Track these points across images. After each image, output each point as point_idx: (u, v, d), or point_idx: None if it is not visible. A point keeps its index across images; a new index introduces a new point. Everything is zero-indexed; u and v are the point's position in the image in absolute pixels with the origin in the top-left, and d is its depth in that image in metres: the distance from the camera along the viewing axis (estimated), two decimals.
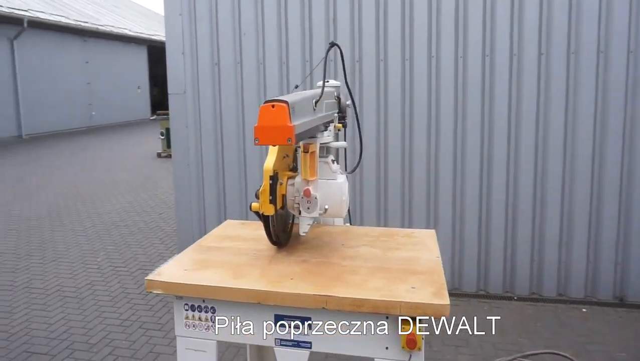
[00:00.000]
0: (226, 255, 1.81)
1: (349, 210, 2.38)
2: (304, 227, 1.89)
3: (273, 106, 1.25)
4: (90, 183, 9.25)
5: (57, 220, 6.74)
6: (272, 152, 1.69)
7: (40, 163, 11.55)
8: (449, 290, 1.45)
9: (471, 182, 3.85)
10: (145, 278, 1.60)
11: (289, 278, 1.57)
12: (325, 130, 1.75)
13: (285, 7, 4.00)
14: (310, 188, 1.73)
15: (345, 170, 2.09)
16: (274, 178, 1.65)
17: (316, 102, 1.59)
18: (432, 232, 2.07)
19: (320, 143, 1.75)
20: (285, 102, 1.28)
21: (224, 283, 1.54)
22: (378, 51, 3.85)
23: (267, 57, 4.10)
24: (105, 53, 20.15)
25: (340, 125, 1.81)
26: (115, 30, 20.55)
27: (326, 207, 1.75)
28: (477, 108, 3.76)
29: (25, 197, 8.18)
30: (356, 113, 2.01)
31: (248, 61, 4.14)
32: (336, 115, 2.05)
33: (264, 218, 1.73)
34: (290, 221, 1.98)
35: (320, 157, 1.77)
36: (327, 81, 1.80)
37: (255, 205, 1.62)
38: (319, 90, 1.75)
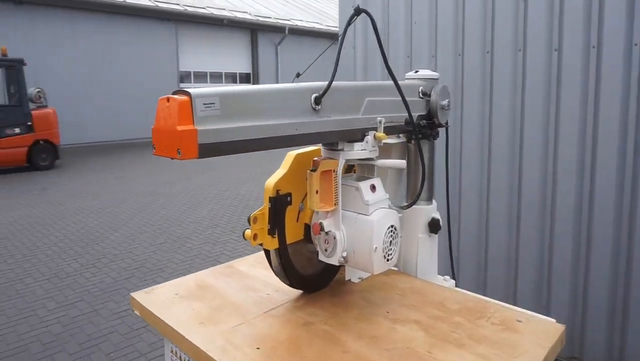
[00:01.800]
0: (232, 288, 1.44)
1: (451, 261, 1.67)
2: (352, 272, 1.36)
3: (168, 100, 0.81)
4: None
5: None
6: (286, 163, 1.23)
7: None
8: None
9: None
10: (131, 293, 1.39)
11: (254, 347, 1.09)
12: (362, 139, 1.16)
13: None
14: (325, 222, 1.19)
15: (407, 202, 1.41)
16: (278, 201, 1.18)
17: (317, 98, 1.04)
18: (553, 323, 1.20)
19: (347, 160, 1.17)
20: (187, 93, 0.82)
21: (181, 327, 1.19)
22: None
23: (438, 50, 3.43)
24: None
25: (381, 135, 1.17)
26: None
27: (344, 254, 1.18)
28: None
29: None
30: (409, 112, 1.27)
31: (418, 53, 3.56)
32: (423, 122, 1.40)
33: (266, 253, 1.28)
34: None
35: (356, 179, 1.20)
36: (387, 64, 1.19)
37: (247, 232, 1.18)
38: (374, 83, 1.19)
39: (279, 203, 1.19)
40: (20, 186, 8.72)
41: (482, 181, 2.82)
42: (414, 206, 1.52)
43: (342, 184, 1.19)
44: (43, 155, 9.89)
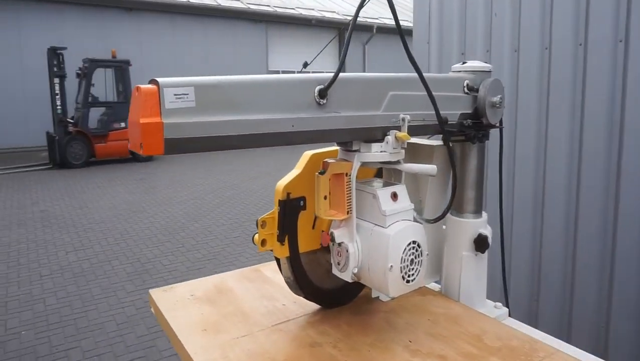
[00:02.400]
0: (250, 294, 1.35)
1: (504, 285, 1.45)
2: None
3: (138, 89, 0.73)
4: None
5: None
6: (300, 164, 1.11)
7: None
8: None
9: None
10: (149, 291, 1.36)
11: None
12: (382, 139, 1.00)
13: None
14: (337, 233, 1.05)
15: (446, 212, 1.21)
16: (288, 205, 1.08)
17: (322, 90, 0.91)
18: None
19: (363, 162, 1.02)
20: (155, 81, 0.73)
21: (182, 333, 1.12)
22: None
23: (522, 42, 3.07)
24: None
25: (404, 135, 0.98)
26: None
27: (354, 270, 1.03)
28: None
29: None
30: (436, 109, 1.07)
31: (498, 48, 3.22)
32: (468, 122, 1.19)
33: (277, 261, 1.17)
34: None
35: (375, 185, 1.05)
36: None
37: (256, 237, 1.09)
38: (397, 75, 1.03)
39: (289, 208, 1.08)
40: (122, 175, 9.60)
41: (537, 191, 2.43)
42: (460, 220, 1.32)
43: (358, 190, 1.05)
44: None
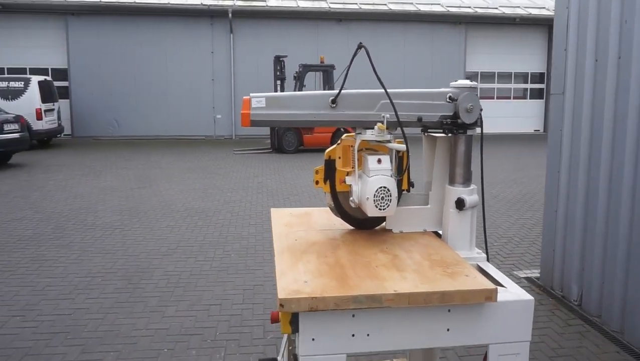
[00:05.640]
0: (329, 219, 2.22)
1: (486, 241, 2.01)
2: (389, 223, 1.99)
3: (243, 99, 1.72)
4: None
5: None
6: (340, 141, 1.97)
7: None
8: None
9: None
10: (271, 209, 2.41)
11: (296, 237, 1.93)
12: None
13: None
14: (348, 178, 1.89)
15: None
16: (327, 163, 1.96)
17: (332, 100, 1.74)
18: (486, 285, 1.53)
19: (362, 140, 1.82)
20: (249, 95, 1.71)
21: (276, 224, 2.12)
22: None
23: None
24: None
25: (381, 125, 1.69)
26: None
27: (352, 198, 1.85)
28: None
29: None
30: (392, 103, 1.72)
31: (628, 56, 3.26)
32: (447, 121, 1.84)
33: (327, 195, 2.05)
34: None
35: (370, 154, 1.85)
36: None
37: (315, 177, 2.00)
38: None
39: (327, 163, 1.95)
40: (321, 162, 11.47)
41: None
42: (450, 188, 1.96)
43: (364, 155, 1.85)
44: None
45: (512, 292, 1.66)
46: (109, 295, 4.02)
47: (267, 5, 15.62)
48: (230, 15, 15.25)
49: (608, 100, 3.45)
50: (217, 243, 5.47)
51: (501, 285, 1.72)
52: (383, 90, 1.79)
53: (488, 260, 1.97)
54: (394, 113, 1.77)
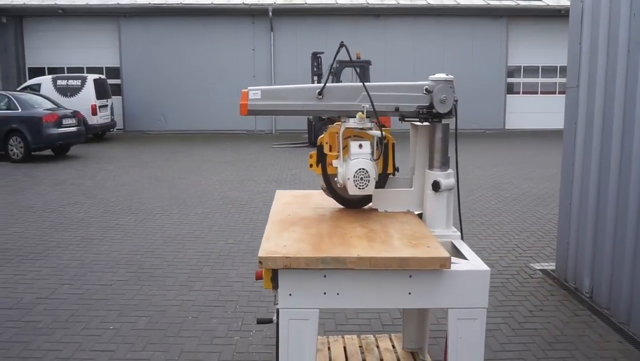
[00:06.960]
0: (325, 200, 2.49)
1: (460, 222, 2.21)
2: (375, 202, 2.24)
3: (242, 92, 2.01)
4: None
5: None
6: (329, 129, 2.23)
7: None
8: None
9: None
10: (277, 190, 2.70)
11: (289, 213, 2.21)
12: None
13: None
14: (334, 162, 2.14)
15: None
16: (319, 147, 2.22)
17: (318, 92, 2.00)
18: (440, 255, 1.75)
19: (347, 128, 2.06)
20: (246, 89, 2.00)
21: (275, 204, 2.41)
22: None
23: None
24: None
25: (360, 114, 1.93)
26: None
27: (336, 178, 2.10)
28: None
29: None
30: (368, 94, 1.96)
31: (637, 49, 3.28)
32: (422, 111, 2.06)
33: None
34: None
35: (353, 140, 2.09)
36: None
37: (309, 160, 2.28)
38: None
39: (319, 149, 2.22)
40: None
41: None
42: (429, 172, 2.17)
43: (349, 141, 2.10)
44: None
45: (471, 263, 1.86)
46: (146, 270, 4.47)
47: (306, 3, 15.95)
48: (270, 13, 15.70)
49: (618, 94, 3.49)
50: (246, 228, 5.84)
51: (465, 258, 1.92)
52: (361, 85, 2.03)
53: (462, 238, 2.17)
54: (376, 103, 2.02)
